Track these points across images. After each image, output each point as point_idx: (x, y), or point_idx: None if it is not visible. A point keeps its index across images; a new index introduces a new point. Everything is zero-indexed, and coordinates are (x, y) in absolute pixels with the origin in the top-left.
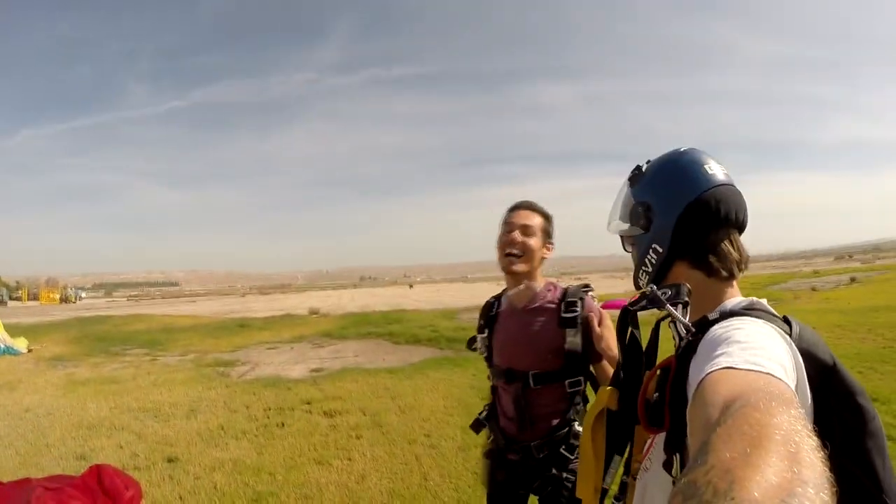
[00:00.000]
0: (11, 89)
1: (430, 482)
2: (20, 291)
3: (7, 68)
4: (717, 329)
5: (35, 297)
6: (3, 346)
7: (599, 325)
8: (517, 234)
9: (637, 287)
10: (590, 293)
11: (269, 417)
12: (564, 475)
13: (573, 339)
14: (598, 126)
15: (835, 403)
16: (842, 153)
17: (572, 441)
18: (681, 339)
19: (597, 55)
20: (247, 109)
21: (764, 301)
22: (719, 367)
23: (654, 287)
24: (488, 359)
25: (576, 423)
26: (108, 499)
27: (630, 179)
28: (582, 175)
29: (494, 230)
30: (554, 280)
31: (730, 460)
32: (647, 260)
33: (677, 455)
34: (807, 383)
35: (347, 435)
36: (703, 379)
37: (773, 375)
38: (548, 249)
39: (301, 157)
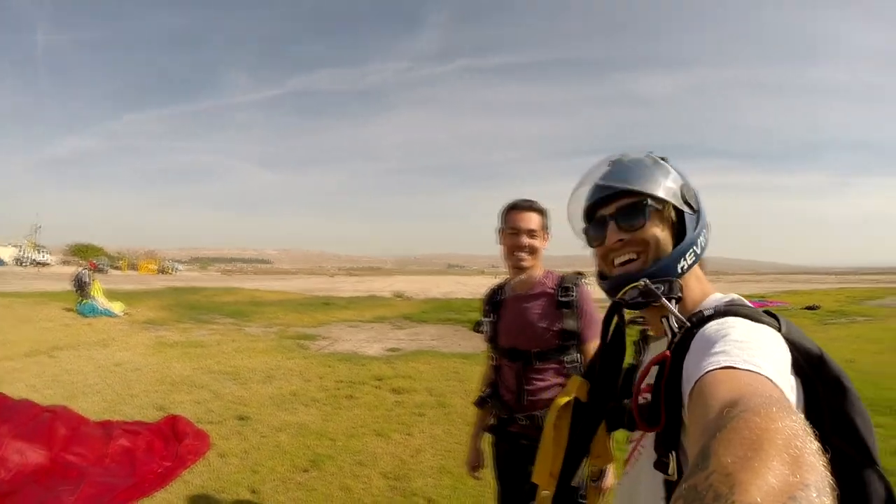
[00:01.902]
0: (116, 77)
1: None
2: (121, 262)
3: (112, 57)
4: (712, 325)
5: (134, 268)
6: (101, 308)
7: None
8: (525, 239)
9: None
10: (583, 280)
11: (339, 389)
12: None
13: (569, 321)
14: (700, 119)
15: (823, 391)
16: None
17: None
18: (673, 334)
19: (699, 44)
20: (343, 97)
21: (743, 298)
22: (718, 366)
23: (648, 281)
24: (493, 340)
25: None
26: (177, 444)
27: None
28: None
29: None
30: (551, 270)
31: (731, 464)
32: (700, 241)
33: (673, 454)
34: (792, 373)
35: (411, 412)
36: (700, 378)
37: (770, 379)
38: (545, 240)
39: (394, 144)
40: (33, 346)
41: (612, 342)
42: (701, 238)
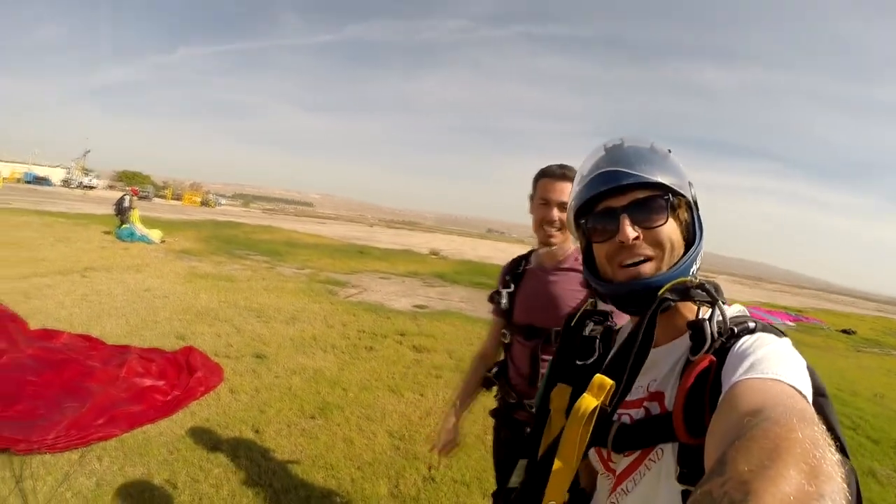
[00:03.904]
0: (174, 8)
1: (488, 436)
2: (165, 191)
3: None
4: (748, 339)
5: (178, 198)
6: (138, 234)
7: None
8: (555, 212)
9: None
10: None
11: (360, 339)
12: None
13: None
14: (755, 119)
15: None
16: None
17: None
18: (712, 339)
19: (765, 43)
20: (396, 49)
21: (746, 310)
22: (746, 377)
23: (700, 279)
24: (507, 315)
25: None
26: (189, 376)
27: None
28: (728, 169)
29: None
30: None
31: (747, 472)
32: (702, 243)
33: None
34: None
35: (428, 372)
36: (728, 389)
37: (796, 389)
38: None
39: (443, 102)
40: (68, 265)
41: (645, 341)
42: (703, 240)
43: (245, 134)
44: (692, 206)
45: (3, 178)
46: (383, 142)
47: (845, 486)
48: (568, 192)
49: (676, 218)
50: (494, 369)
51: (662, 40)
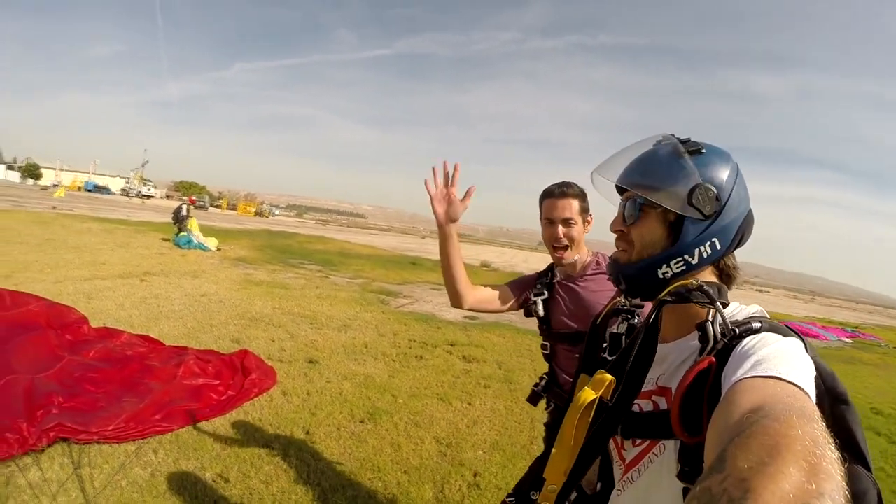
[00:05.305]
0: (230, 27)
1: (534, 446)
2: (221, 201)
3: (227, 7)
4: (751, 340)
5: (233, 208)
6: (195, 241)
7: None
8: (560, 231)
9: (648, 277)
10: None
11: (411, 348)
12: None
13: None
14: (812, 127)
15: (831, 403)
16: None
17: None
18: (715, 340)
19: (822, 46)
20: (447, 63)
21: (765, 311)
22: (748, 376)
23: (701, 281)
24: (546, 323)
25: None
26: (244, 378)
27: (689, 151)
28: (784, 179)
29: None
30: (602, 252)
31: (746, 469)
32: (698, 251)
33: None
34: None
35: (476, 382)
36: (729, 388)
37: (798, 386)
38: (588, 223)
39: (494, 114)
40: (127, 269)
41: (647, 340)
42: (703, 247)
43: (298, 146)
44: (679, 213)
45: (65, 187)
46: (434, 154)
47: (845, 484)
48: (569, 208)
49: (660, 220)
50: (541, 384)
51: (713, 48)
